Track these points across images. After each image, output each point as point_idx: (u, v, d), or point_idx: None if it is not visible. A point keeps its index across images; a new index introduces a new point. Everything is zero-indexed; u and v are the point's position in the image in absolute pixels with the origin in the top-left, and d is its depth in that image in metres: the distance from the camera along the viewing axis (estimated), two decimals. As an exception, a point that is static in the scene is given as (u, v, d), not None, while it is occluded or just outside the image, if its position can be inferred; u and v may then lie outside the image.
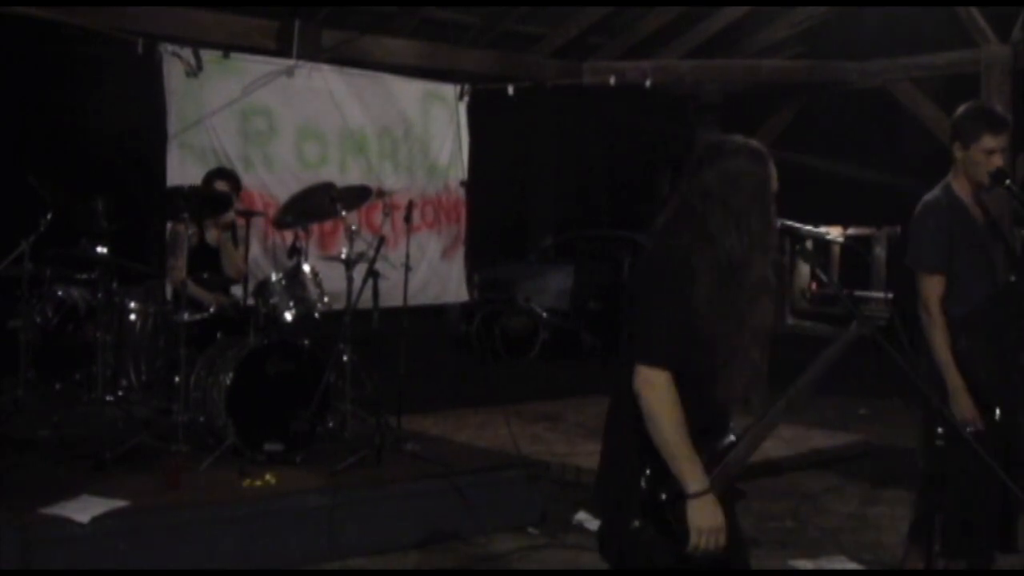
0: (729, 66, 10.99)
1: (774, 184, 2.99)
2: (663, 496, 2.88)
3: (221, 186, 6.48)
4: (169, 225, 6.47)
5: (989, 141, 4.15)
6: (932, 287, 4.20)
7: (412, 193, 8.40)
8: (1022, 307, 4.23)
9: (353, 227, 6.32)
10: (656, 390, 2.85)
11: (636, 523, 2.91)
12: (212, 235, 6.55)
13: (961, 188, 4.27)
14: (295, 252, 6.31)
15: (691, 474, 2.84)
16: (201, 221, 6.24)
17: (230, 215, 6.49)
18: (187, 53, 7.41)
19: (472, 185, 9.09)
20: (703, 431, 2.94)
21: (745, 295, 2.95)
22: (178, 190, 6.04)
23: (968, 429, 3.82)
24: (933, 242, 4.22)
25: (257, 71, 7.82)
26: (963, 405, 4.04)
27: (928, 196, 4.32)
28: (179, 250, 6.23)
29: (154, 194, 6.45)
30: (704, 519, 2.83)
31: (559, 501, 6.31)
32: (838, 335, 3.02)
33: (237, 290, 6.62)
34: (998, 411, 4.06)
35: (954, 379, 4.06)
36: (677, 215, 3.02)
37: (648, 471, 2.91)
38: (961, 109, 4.32)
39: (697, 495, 2.83)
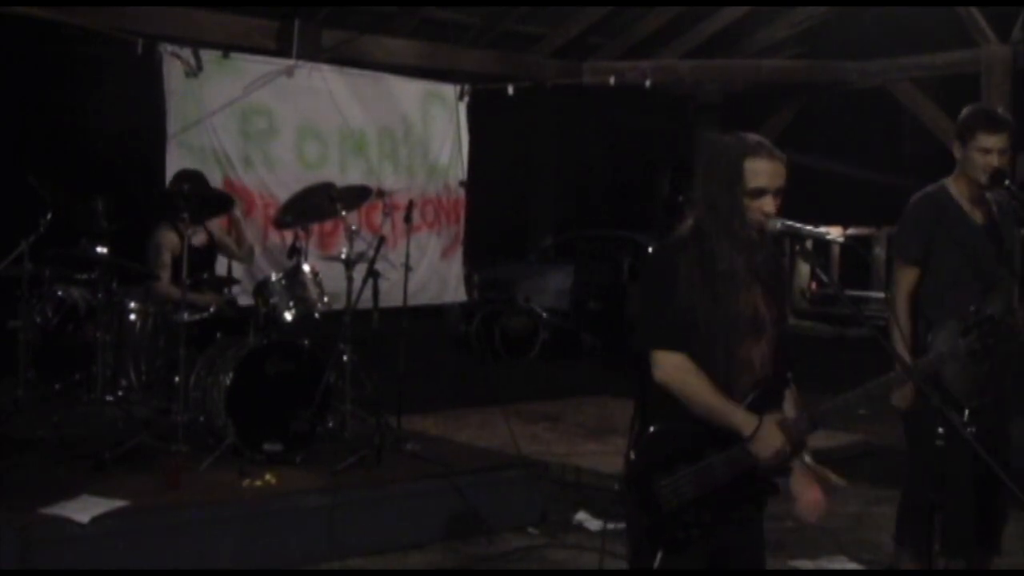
0: (729, 66, 10.98)
1: (754, 179, 3.03)
2: (652, 477, 3.03)
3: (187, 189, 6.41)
4: (158, 233, 6.41)
5: (985, 140, 4.16)
6: (904, 276, 4.32)
7: (412, 193, 8.40)
8: (1011, 308, 4.23)
9: (353, 227, 6.32)
10: (671, 370, 3.03)
11: (617, 486, 3.19)
12: (199, 238, 6.52)
13: (959, 188, 4.29)
14: (295, 252, 6.31)
15: (739, 423, 3.01)
16: (179, 227, 6.11)
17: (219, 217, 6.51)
18: (187, 53, 7.41)
19: (472, 185, 9.09)
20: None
21: (721, 283, 3.04)
22: (177, 191, 6.03)
23: (969, 430, 3.82)
24: (912, 232, 4.33)
25: (257, 71, 7.82)
26: (905, 392, 4.16)
27: (924, 189, 4.38)
28: (162, 260, 6.24)
29: (154, 194, 6.42)
30: (765, 451, 3.00)
31: (559, 501, 6.31)
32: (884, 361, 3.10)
33: (236, 289, 6.64)
34: (967, 411, 4.06)
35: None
36: (676, 214, 3.15)
37: (632, 452, 3.10)
38: (964, 110, 4.34)
39: (751, 437, 2.99)
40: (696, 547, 3.05)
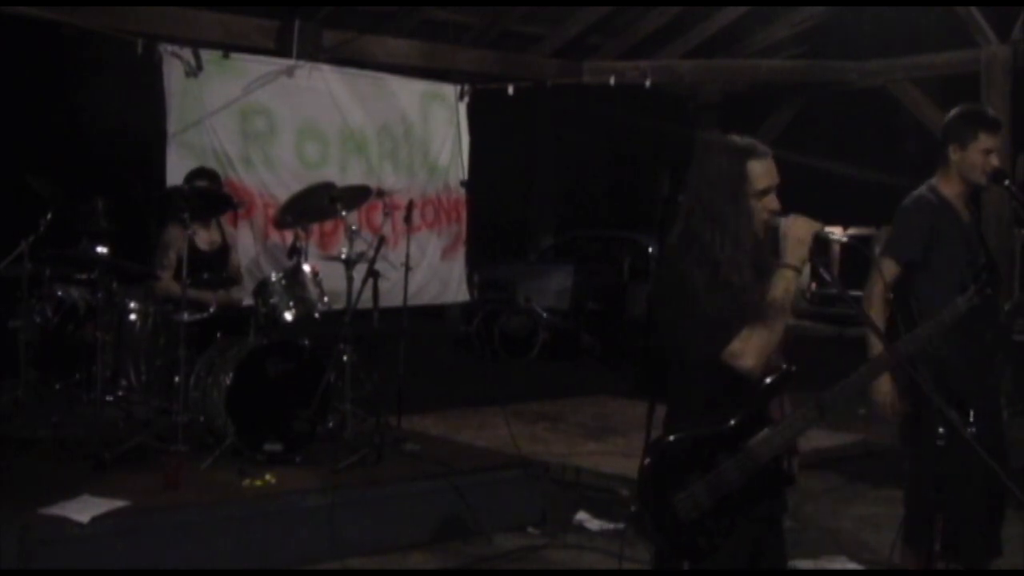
0: (729, 66, 10.98)
1: (760, 180, 3.04)
2: (667, 490, 3.00)
3: (202, 186, 6.43)
4: (166, 230, 6.43)
5: (987, 141, 4.17)
6: (888, 272, 4.21)
7: (412, 193, 8.40)
8: (997, 307, 4.24)
9: (353, 227, 6.32)
10: (736, 355, 2.98)
11: (633, 508, 3.21)
12: (210, 238, 6.54)
13: (949, 189, 4.26)
14: (295, 252, 6.31)
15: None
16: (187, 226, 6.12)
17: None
18: (187, 53, 7.41)
19: (472, 185, 9.09)
20: (711, 404, 3.06)
21: (732, 293, 3.02)
22: (177, 190, 6.03)
23: (970, 430, 3.81)
24: (910, 234, 4.24)
25: (257, 71, 7.82)
26: (884, 392, 4.17)
27: (916, 192, 4.33)
28: (166, 259, 6.24)
29: (154, 194, 6.43)
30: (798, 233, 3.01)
31: (559, 501, 6.31)
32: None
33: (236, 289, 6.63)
34: (972, 412, 4.06)
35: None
36: (676, 215, 3.12)
37: (646, 461, 3.05)
38: (954, 111, 4.32)
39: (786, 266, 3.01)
40: (727, 551, 3.03)
